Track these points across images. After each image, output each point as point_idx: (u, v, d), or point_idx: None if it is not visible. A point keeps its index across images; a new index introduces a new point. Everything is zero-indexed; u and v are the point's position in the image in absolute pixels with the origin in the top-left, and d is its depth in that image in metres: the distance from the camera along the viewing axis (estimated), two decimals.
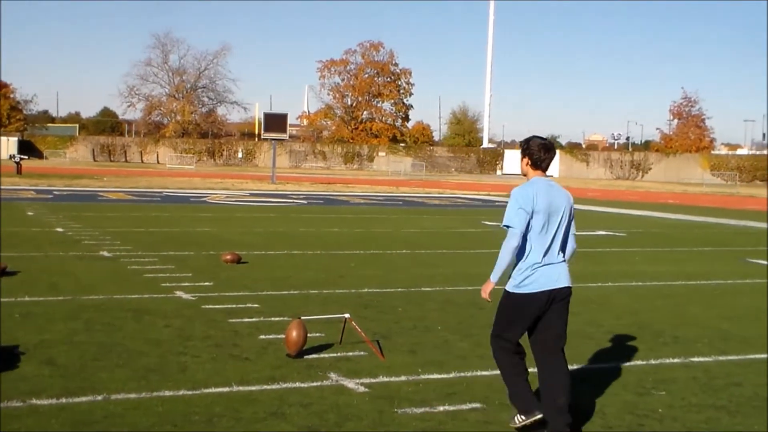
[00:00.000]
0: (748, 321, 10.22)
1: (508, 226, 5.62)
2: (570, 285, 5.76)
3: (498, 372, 7.33)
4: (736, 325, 9.97)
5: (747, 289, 12.90)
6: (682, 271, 14.97)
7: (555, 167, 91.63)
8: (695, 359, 8.16)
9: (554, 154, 5.83)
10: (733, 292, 12.69)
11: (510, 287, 5.73)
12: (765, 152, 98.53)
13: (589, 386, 7.04)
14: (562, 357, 5.77)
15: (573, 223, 5.84)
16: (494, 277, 5.73)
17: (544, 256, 5.64)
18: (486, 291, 5.80)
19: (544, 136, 5.89)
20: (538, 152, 5.72)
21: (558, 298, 5.71)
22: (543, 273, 5.64)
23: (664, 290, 12.59)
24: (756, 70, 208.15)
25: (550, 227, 5.63)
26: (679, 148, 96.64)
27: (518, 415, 5.72)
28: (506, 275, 5.79)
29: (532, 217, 5.57)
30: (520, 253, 5.67)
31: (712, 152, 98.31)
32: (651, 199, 45.91)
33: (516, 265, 5.70)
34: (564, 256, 5.79)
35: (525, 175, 5.82)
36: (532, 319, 5.70)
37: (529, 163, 5.76)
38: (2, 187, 34.14)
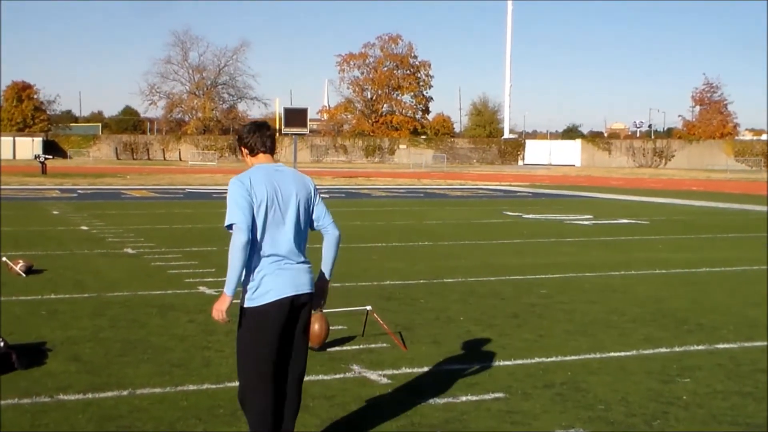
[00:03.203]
0: None
1: (229, 226, 4.68)
2: (311, 291, 4.92)
3: (520, 362, 7.38)
4: (761, 311, 9.89)
5: None
6: (705, 258, 14.88)
7: (576, 156, 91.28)
8: (720, 346, 8.12)
9: (269, 131, 4.96)
10: (759, 278, 12.59)
11: (246, 302, 4.77)
12: None
13: (612, 375, 7.02)
14: (299, 387, 5.03)
15: (321, 208, 4.98)
16: (228, 289, 4.70)
17: (280, 256, 4.76)
18: (221, 309, 4.75)
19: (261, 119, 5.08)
20: (248, 135, 4.89)
21: (305, 307, 4.90)
22: (281, 276, 4.75)
23: (688, 277, 12.52)
24: None
25: (282, 221, 4.76)
26: (702, 134, 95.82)
27: None
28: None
29: (254, 211, 4.70)
30: (249, 258, 4.73)
31: (736, 138, 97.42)
32: (674, 186, 45.61)
33: (247, 273, 4.76)
34: (303, 256, 4.89)
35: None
36: (277, 334, 4.77)
37: (247, 152, 4.93)
38: (28, 187, 34.45)
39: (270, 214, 4.72)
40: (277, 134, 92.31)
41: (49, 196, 29.33)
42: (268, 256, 4.73)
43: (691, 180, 55.44)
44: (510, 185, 44.21)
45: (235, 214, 4.65)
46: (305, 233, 4.93)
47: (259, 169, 4.83)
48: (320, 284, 5.05)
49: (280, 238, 4.76)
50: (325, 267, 5.07)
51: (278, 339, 4.79)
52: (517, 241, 17.27)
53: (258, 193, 4.70)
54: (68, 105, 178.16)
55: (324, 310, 8.07)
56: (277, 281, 4.74)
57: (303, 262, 4.87)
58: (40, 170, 46.78)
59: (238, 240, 4.62)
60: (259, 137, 4.89)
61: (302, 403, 6.04)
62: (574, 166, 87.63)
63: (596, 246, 16.58)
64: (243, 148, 4.93)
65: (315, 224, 4.99)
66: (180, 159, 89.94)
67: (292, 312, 4.81)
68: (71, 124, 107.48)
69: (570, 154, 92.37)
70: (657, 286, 11.67)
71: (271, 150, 4.93)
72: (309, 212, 4.94)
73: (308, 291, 4.88)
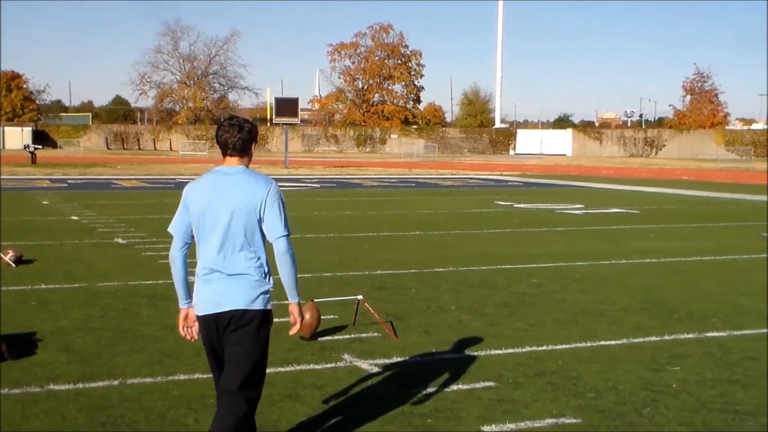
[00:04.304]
0: (764, 296, 10.17)
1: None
2: (248, 308, 4.40)
3: (511, 351, 7.41)
4: (751, 299, 9.94)
5: (763, 264, 12.84)
6: (696, 247, 14.92)
7: (567, 146, 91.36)
8: (710, 334, 8.15)
9: (241, 132, 4.53)
10: (749, 267, 12.64)
11: None
12: None
13: (603, 363, 7.04)
14: (236, 397, 4.45)
15: (271, 218, 4.43)
16: (179, 301, 4.65)
17: (207, 268, 4.46)
18: (178, 324, 4.70)
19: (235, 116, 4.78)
20: (218, 135, 4.56)
21: (232, 326, 4.41)
22: (206, 291, 4.45)
23: (679, 266, 12.55)
24: None
25: (213, 230, 4.43)
26: (693, 124, 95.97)
27: None
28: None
29: (192, 217, 4.51)
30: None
31: (727, 128, 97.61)
32: (665, 176, 45.71)
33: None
34: (242, 271, 4.42)
35: None
36: (211, 346, 4.53)
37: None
38: (18, 177, 34.33)
39: (203, 222, 4.46)
40: (268, 124, 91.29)
41: (38, 186, 29.22)
42: (200, 267, 4.49)
43: (682, 169, 55.56)
44: (501, 175, 44.23)
45: (172, 223, 4.58)
46: (250, 244, 4.43)
47: (210, 173, 4.59)
48: (290, 309, 4.58)
49: (209, 249, 4.45)
50: (286, 290, 4.55)
51: (214, 351, 4.53)
52: (508, 231, 17.28)
53: (194, 200, 4.50)
54: (58, 95, 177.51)
55: (315, 300, 8.09)
56: (202, 296, 4.47)
57: (237, 275, 4.42)
58: (29, 160, 46.62)
59: (171, 250, 4.59)
60: (228, 138, 4.53)
61: (293, 392, 6.06)
62: (565, 155, 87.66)
63: (587, 235, 16.61)
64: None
65: (267, 236, 4.49)
66: (171, 149, 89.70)
67: (220, 329, 4.44)
68: (61, 114, 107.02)
69: (561, 143, 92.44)
70: (648, 275, 11.70)
71: (241, 152, 4.54)
72: (253, 221, 4.42)
73: (233, 308, 4.39)
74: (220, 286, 4.42)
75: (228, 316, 4.40)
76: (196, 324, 4.59)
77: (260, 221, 4.45)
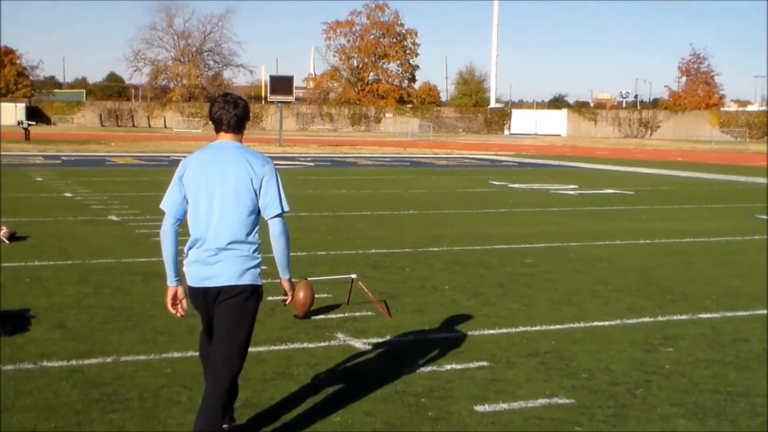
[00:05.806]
0: (757, 277, 10.20)
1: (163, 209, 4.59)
2: (236, 283, 4.45)
3: (505, 331, 7.42)
4: (744, 281, 9.96)
5: (756, 246, 12.87)
6: (690, 228, 14.94)
7: (562, 126, 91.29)
8: (703, 316, 8.17)
9: (236, 108, 4.53)
10: (742, 248, 12.66)
11: None
12: None
13: (596, 344, 7.06)
14: (221, 372, 4.49)
15: (269, 197, 4.48)
16: (167, 278, 4.63)
17: (199, 241, 4.48)
18: (166, 302, 4.69)
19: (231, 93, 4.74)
20: (212, 111, 4.54)
21: (220, 298, 4.48)
22: (194, 265, 4.51)
23: (673, 248, 12.57)
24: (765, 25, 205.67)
25: (209, 204, 4.46)
26: (688, 105, 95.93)
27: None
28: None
29: (188, 191, 4.51)
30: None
31: (722, 109, 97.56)
32: (659, 157, 45.72)
33: None
34: (232, 244, 4.44)
35: None
36: (203, 317, 4.65)
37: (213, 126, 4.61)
38: (11, 153, 34.20)
39: (199, 196, 4.46)
40: (263, 102, 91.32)
41: (32, 163, 29.14)
42: (192, 239, 4.51)
43: (677, 151, 55.58)
44: (496, 155, 44.21)
45: (165, 199, 4.57)
46: (244, 219, 4.45)
47: (207, 148, 4.57)
48: (282, 284, 4.69)
49: (202, 222, 4.47)
50: (278, 266, 4.63)
51: (206, 317, 4.61)
52: (502, 211, 17.29)
53: (191, 175, 4.49)
54: (52, 71, 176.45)
55: (309, 279, 8.09)
56: (191, 268, 4.53)
57: (227, 250, 4.43)
58: (23, 136, 46.49)
59: (162, 226, 4.58)
60: (223, 114, 4.51)
61: (287, 371, 6.07)
62: (560, 135, 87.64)
63: (581, 216, 16.62)
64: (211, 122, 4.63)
65: (262, 213, 4.53)
66: (165, 126, 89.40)
67: (208, 302, 4.51)
68: (55, 90, 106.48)
69: (556, 123, 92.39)
70: (641, 256, 11.72)
71: (235, 129, 4.55)
72: (250, 198, 4.45)
73: (220, 285, 4.45)
74: (211, 260, 4.46)
75: (216, 290, 4.47)
76: (184, 300, 4.63)
77: (256, 198, 4.48)
